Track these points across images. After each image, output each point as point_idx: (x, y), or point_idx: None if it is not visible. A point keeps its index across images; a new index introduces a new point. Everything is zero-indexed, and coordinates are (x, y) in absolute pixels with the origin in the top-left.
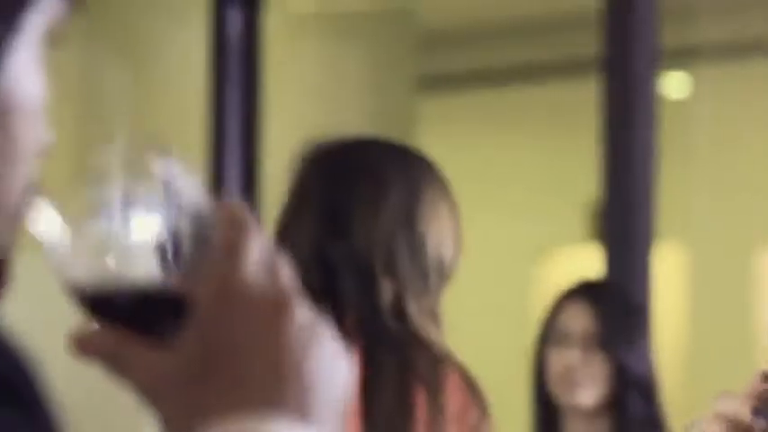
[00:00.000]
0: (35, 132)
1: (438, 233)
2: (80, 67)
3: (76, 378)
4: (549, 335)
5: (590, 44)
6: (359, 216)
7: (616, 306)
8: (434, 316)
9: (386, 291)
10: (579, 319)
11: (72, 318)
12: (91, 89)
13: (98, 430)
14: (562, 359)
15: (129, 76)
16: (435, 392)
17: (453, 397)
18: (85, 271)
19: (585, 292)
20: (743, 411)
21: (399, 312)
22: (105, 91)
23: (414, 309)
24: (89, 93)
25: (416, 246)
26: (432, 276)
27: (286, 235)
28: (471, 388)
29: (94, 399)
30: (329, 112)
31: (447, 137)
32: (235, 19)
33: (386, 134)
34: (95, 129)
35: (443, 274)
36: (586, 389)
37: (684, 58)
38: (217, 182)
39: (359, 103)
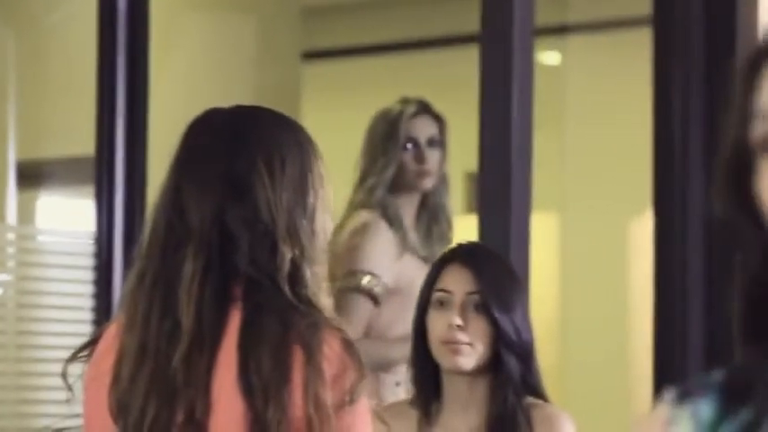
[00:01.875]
0: None
1: (323, 204)
2: None
3: None
4: (430, 299)
5: (470, 18)
6: (259, 184)
7: (495, 270)
8: (323, 282)
9: (285, 257)
10: (458, 283)
11: None
12: None
13: None
14: (442, 322)
15: (16, 43)
16: (313, 355)
17: (331, 360)
18: None
19: (464, 256)
20: None
21: (296, 278)
22: None
23: (309, 275)
24: None
25: (310, 214)
26: (322, 244)
27: (179, 199)
28: (350, 352)
29: None
30: (216, 81)
31: (328, 107)
32: None
33: (272, 104)
34: None
35: (326, 242)
36: (466, 352)
37: (557, 33)
38: (105, 150)
39: (245, 73)
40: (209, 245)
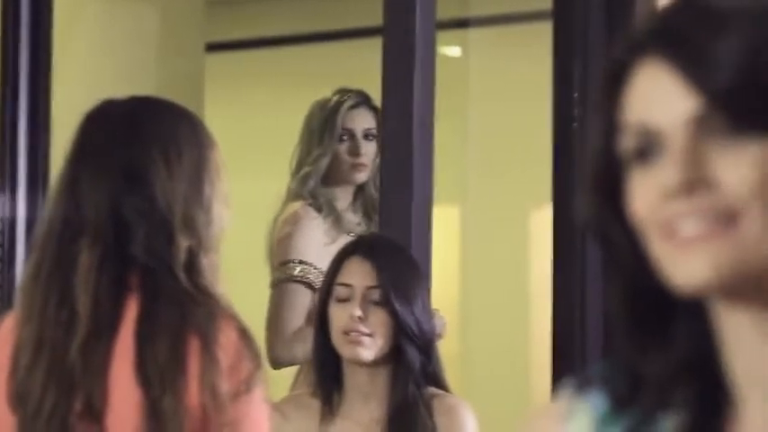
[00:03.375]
0: None
1: (219, 195)
2: None
3: None
4: (331, 290)
5: (374, 10)
6: (155, 174)
7: (396, 263)
8: (218, 272)
9: (181, 246)
10: (359, 277)
11: None
12: None
13: None
14: (344, 314)
15: None
16: (209, 344)
17: (227, 350)
18: None
19: (365, 248)
20: None
21: (193, 267)
22: None
23: (205, 264)
24: None
25: (207, 205)
26: (218, 234)
27: (75, 190)
28: (246, 341)
29: None
30: (119, 71)
31: (232, 98)
32: None
33: (175, 95)
34: None
35: (222, 232)
36: (366, 343)
37: (459, 26)
38: (8, 139)
39: (149, 63)
40: (105, 235)
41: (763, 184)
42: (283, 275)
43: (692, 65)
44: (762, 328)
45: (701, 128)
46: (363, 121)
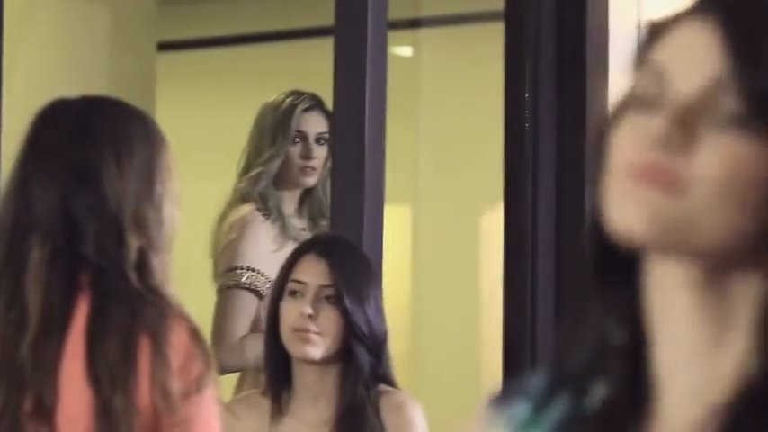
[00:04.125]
0: None
1: (171, 194)
2: None
3: None
4: (284, 288)
5: (326, 10)
6: (106, 173)
7: (349, 262)
8: (169, 272)
9: (132, 246)
10: (312, 275)
11: None
12: None
13: None
14: (294, 311)
15: None
16: (160, 344)
17: (178, 349)
18: None
19: (320, 247)
20: None
21: (143, 267)
22: None
23: (156, 264)
24: None
25: (158, 205)
26: (169, 234)
27: (26, 189)
28: (197, 341)
29: None
30: (71, 71)
31: (184, 98)
32: None
33: (127, 94)
34: None
35: (174, 233)
36: (315, 341)
37: (411, 26)
38: None
39: (100, 63)
40: (56, 234)
41: (729, 179)
42: (230, 281)
43: (739, 38)
44: (688, 287)
45: (712, 98)
46: (317, 125)
